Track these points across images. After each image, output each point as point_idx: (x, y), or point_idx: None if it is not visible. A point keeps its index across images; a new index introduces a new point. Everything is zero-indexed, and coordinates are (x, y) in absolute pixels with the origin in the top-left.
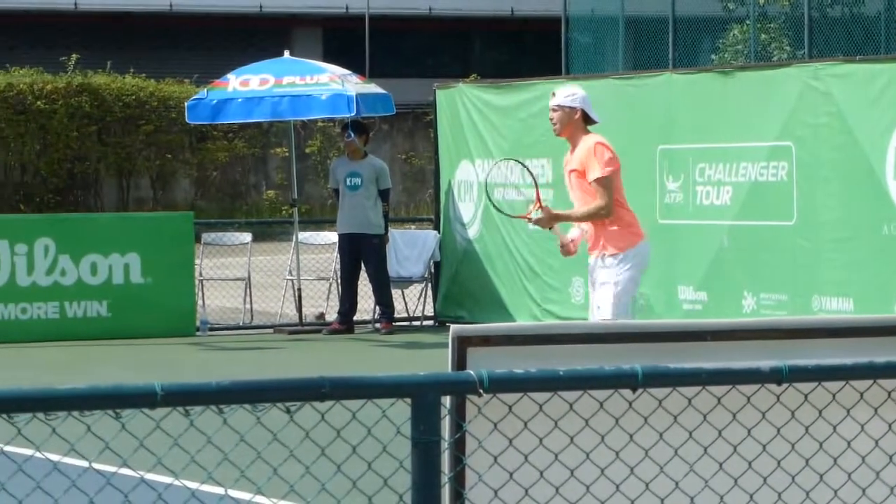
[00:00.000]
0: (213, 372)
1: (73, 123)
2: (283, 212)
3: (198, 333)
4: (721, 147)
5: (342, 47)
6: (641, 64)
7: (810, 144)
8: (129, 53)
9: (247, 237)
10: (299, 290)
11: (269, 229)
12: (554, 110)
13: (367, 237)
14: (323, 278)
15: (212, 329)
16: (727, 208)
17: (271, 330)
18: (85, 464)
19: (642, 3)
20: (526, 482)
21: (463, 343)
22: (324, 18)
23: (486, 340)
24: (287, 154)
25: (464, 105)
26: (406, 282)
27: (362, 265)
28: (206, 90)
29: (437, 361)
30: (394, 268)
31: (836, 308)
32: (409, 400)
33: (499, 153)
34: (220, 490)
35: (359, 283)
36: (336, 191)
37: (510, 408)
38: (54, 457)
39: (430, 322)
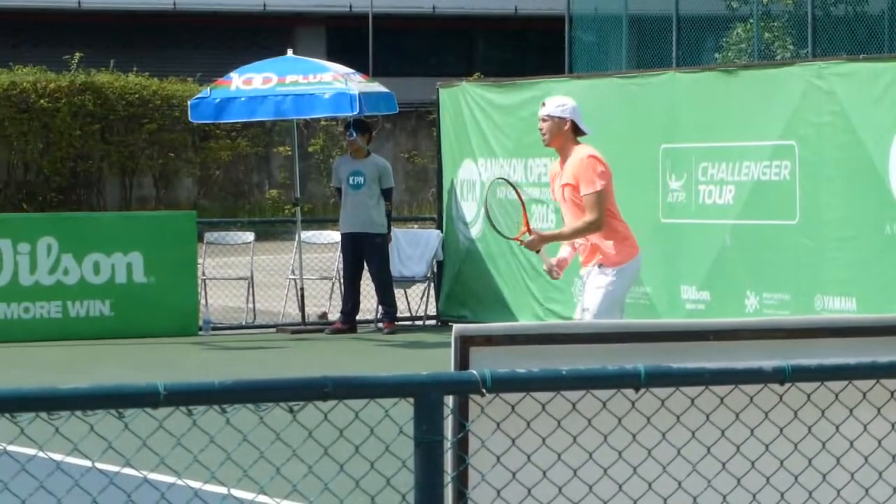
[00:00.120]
0: (216, 371)
1: (76, 122)
2: (286, 211)
3: (200, 333)
4: (724, 146)
5: (345, 46)
6: (645, 63)
7: (813, 143)
8: (133, 52)
9: (249, 236)
10: (302, 289)
11: (272, 228)
12: (544, 120)
13: (370, 236)
14: (326, 278)
15: (214, 328)
16: (730, 207)
17: (274, 329)
18: (88, 463)
19: (646, 2)
20: (529, 482)
21: (465, 343)
22: (327, 17)
23: (489, 340)
24: (290, 153)
25: (467, 104)
26: (409, 281)
27: (365, 264)
28: (209, 89)
29: (439, 361)
30: (396, 267)
31: (839, 308)
32: (411, 399)
33: (502, 152)
34: (222, 490)
35: (361, 282)
36: (339, 190)
37: (513, 407)
38: (57, 456)
39: (433, 322)
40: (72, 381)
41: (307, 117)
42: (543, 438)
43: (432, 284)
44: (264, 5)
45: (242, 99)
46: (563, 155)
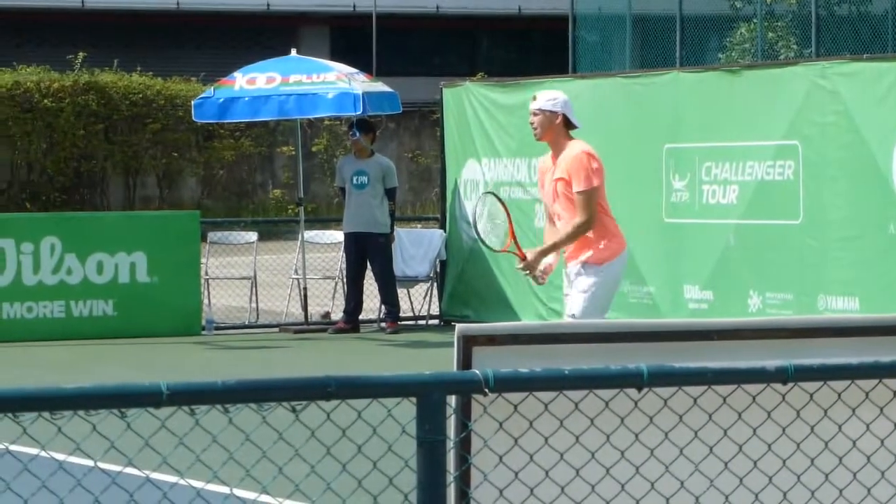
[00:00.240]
0: (219, 371)
1: (79, 122)
2: (290, 211)
3: (203, 332)
4: (727, 146)
5: (349, 46)
6: (648, 62)
7: (817, 143)
8: (136, 52)
9: (253, 236)
10: (305, 289)
11: (275, 228)
12: (535, 114)
13: (374, 236)
14: (329, 277)
15: (217, 328)
16: (733, 207)
17: (277, 329)
18: (90, 463)
19: (649, 2)
20: (531, 481)
21: (468, 342)
22: (331, 17)
23: (492, 340)
24: (293, 153)
25: (470, 104)
26: (412, 281)
27: (368, 264)
28: (212, 88)
29: (442, 361)
30: (399, 267)
31: (842, 307)
32: (414, 399)
33: (505, 152)
34: (225, 489)
35: (364, 282)
36: (342, 189)
37: (515, 407)
38: (60, 456)
39: (436, 321)
40: (74, 380)
41: (311, 117)
42: (546, 438)
43: (435, 284)
44: (268, 5)
45: (246, 99)
46: (555, 149)
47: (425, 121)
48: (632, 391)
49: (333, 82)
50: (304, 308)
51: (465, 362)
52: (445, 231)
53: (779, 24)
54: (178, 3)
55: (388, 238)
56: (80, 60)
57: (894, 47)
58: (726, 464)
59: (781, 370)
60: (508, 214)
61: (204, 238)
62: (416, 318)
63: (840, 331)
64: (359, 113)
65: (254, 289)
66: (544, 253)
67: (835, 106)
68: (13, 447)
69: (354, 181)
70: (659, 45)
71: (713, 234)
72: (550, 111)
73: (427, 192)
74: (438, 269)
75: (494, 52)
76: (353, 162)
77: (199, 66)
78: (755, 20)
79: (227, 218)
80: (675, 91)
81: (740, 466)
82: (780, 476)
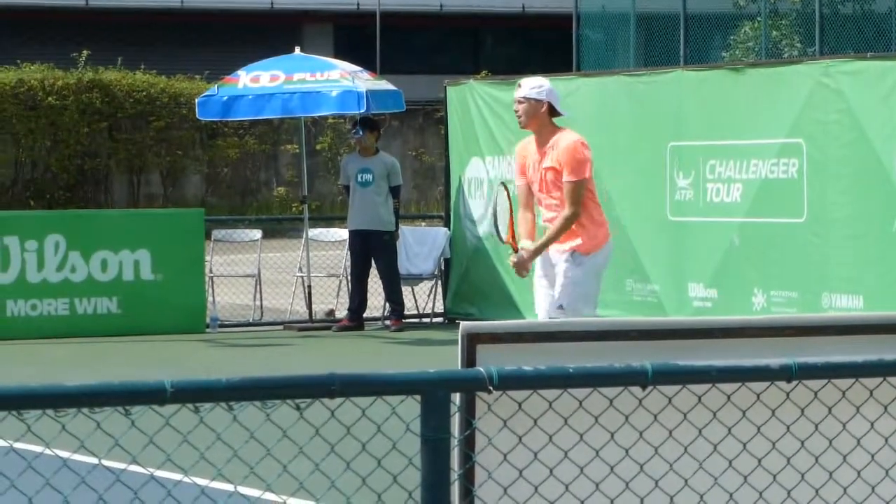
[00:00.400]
0: (223, 369)
1: (83, 119)
2: (294, 209)
3: (208, 330)
4: (732, 144)
5: (353, 44)
6: (652, 61)
7: (821, 142)
8: (140, 49)
9: (257, 234)
10: (309, 286)
11: (280, 226)
12: (520, 102)
13: (378, 234)
14: (333, 275)
15: (222, 326)
16: (737, 205)
17: (281, 327)
18: (94, 461)
19: (653, 0)
20: (535, 479)
21: (473, 340)
22: (335, 15)
23: (496, 338)
24: (297, 151)
25: (474, 102)
26: (416, 279)
27: (373, 262)
28: (216, 86)
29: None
30: (404, 265)
31: (845, 305)
32: (418, 397)
33: (509, 150)
34: (229, 487)
35: (369, 279)
36: (346, 187)
37: (520, 405)
38: (64, 454)
39: (440, 319)
40: (78, 378)
41: (315, 115)
42: (550, 436)
43: (440, 282)
44: (272, 3)
45: (250, 97)
46: (540, 136)
47: (429, 119)
48: (636, 389)
49: (337, 80)
50: (309, 306)
51: (470, 360)
52: (450, 229)
53: (783, 22)
54: (182, 1)
55: (392, 236)
56: (83, 58)
57: None
58: (730, 462)
59: (785, 368)
60: (511, 209)
61: (208, 236)
62: (420, 315)
63: (844, 329)
64: (363, 111)
65: (258, 286)
66: (538, 252)
67: (838, 104)
68: (17, 445)
69: (359, 179)
70: (663, 44)
71: (717, 233)
72: (535, 99)
73: (431, 190)
74: (443, 267)
75: (498, 50)
76: (357, 160)
77: (202, 64)
78: (759, 18)
79: (231, 216)
80: (678, 89)
81: (744, 464)
82: (785, 474)
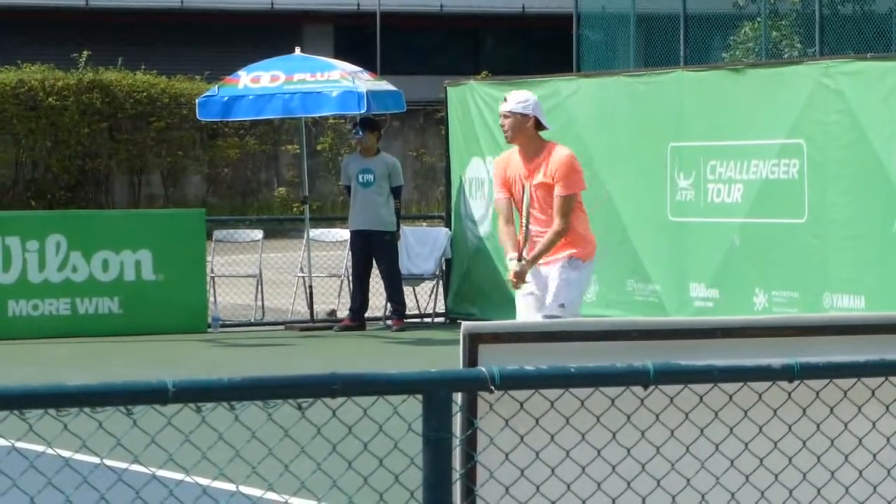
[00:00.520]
0: (225, 368)
1: (84, 120)
2: (295, 209)
3: (209, 330)
4: (732, 145)
5: (353, 44)
6: (652, 61)
7: (821, 142)
8: (141, 50)
9: (258, 234)
10: (310, 287)
11: (281, 226)
12: (506, 116)
13: (379, 234)
14: (334, 275)
15: (223, 326)
16: (738, 206)
17: (282, 327)
18: (96, 460)
19: (653, 1)
20: (537, 479)
21: (474, 340)
22: (335, 15)
23: (498, 337)
24: (298, 151)
25: (475, 102)
26: (417, 279)
27: (374, 262)
28: (217, 87)
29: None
30: (405, 265)
31: (847, 305)
32: (420, 397)
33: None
34: (231, 487)
35: (370, 279)
36: (348, 188)
37: (521, 405)
38: (66, 453)
39: (442, 319)
40: (80, 378)
41: (315, 115)
42: (552, 436)
43: (441, 282)
44: (272, 4)
45: (250, 97)
46: (527, 150)
47: (430, 119)
48: (638, 389)
49: (338, 81)
50: (310, 306)
51: (471, 360)
52: (451, 229)
53: (783, 22)
54: (182, 2)
55: (393, 236)
56: (84, 59)
57: None
58: (732, 461)
59: (787, 368)
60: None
61: (209, 236)
62: (421, 315)
63: (846, 329)
64: (363, 111)
65: (259, 287)
66: (533, 262)
67: (838, 105)
68: (19, 444)
69: (360, 179)
70: (663, 44)
71: (718, 233)
72: (522, 114)
73: (432, 191)
74: (444, 267)
75: (498, 50)
76: (358, 160)
77: (203, 65)
78: (759, 19)
79: (232, 216)
80: (679, 90)
81: (746, 464)
82: (786, 474)
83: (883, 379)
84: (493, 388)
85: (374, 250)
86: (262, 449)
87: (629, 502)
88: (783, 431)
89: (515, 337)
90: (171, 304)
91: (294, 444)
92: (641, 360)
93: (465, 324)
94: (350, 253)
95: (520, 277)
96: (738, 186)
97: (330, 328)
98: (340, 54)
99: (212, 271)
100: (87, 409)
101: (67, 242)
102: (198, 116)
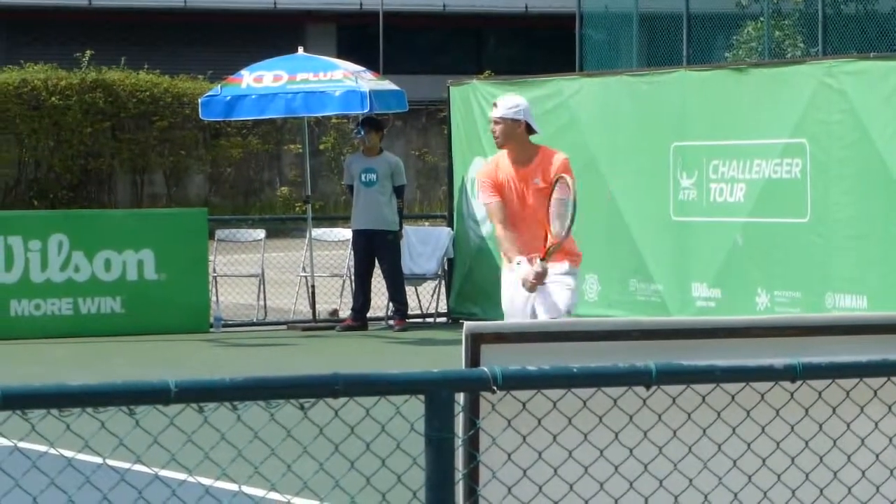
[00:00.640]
0: (227, 368)
1: (86, 119)
2: (297, 208)
3: (211, 330)
4: (735, 144)
5: (356, 44)
6: (655, 61)
7: (824, 142)
8: (143, 49)
9: (260, 234)
10: (313, 286)
11: (283, 226)
12: (496, 122)
13: (382, 233)
14: (336, 275)
15: (225, 325)
16: (741, 205)
17: (285, 326)
18: (99, 460)
19: (656, 0)
20: (539, 479)
21: (476, 340)
22: (338, 15)
23: (500, 337)
24: (301, 150)
25: (477, 102)
26: (420, 279)
27: (376, 261)
28: (219, 86)
29: (450, 358)
30: (407, 265)
31: (849, 305)
32: (422, 397)
33: None
34: (233, 486)
35: (373, 279)
36: (350, 187)
37: (524, 405)
38: (68, 453)
39: (444, 319)
40: (82, 378)
41: (318, 115)
42: (554, 436)
43: (443, 282)
44: (275, 3)
45: (253, 97)
46: (518, 155)
47: (432, 119)
48: (640, 389)
49: (340, 80)
50: (312, 305)
51: (474, 360)
52: (453, 229)
53: (786, 22)
54: (185, 1)
55: (396, 235)
56: (87, 58)
57: None
58: (735, 462)
59: (790, 368)
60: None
61: (212, 235)
62: (423, 315)
63: (848, 329)
64: (366, 111)
65: (262, 286)
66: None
67: (841, 104)
68: (22, 444)
69: (363, 178)
70: (666, 44)
71: (721, 232)
72: (513, 119)
73: (434, 190)
74: (446, 267)
75: (501, 50)
76: (361, 159)
77: (206, 64)
78: (762, 18)
79: (234, 215)
80: (681, 89)
81: (749, 464)
82: (789, 474)
83: (885, 379)
84: (495, 388)
85: (377, 250)
86: (264, 449)
87: (632, 502)
88: (785, 431)
89: (518, 337)
90: (173, 304)
91: (296, 444)
92: (644, 360)
93: (467, 324)
94: (352, 252)
95: (541, 278)
96: (741, 186)
97: (332, 328)
98: (343, 54)
99: (214, 271)
100: (89, 409)
101: (70, 242)
102: (200, 116)
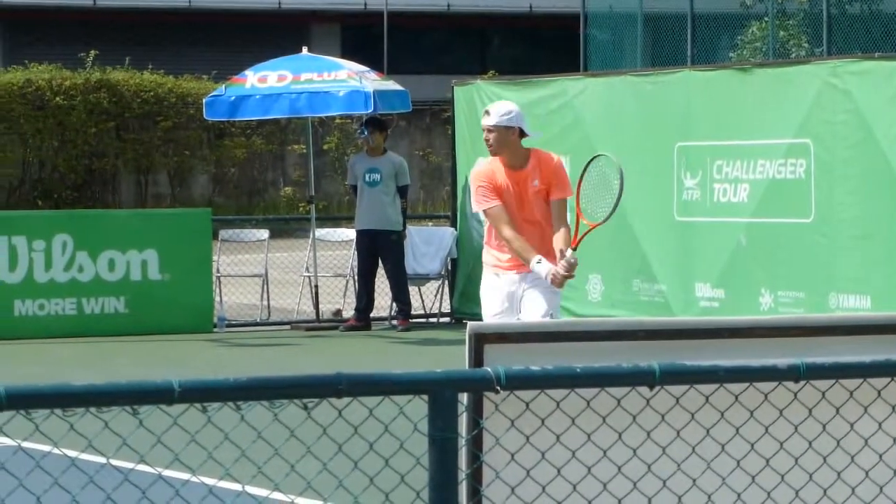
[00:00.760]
0: (231, 368)
1: (91, 119)
2: (301, 209)
3: (215, 330)
4: (739, 144)
5: (360, 44)
6: (660, 61)
7: (828, 142)
8: (148, 49)
9: (264, 234)
10: (316, 286)
11: (287, 226)
12: (490, 131)
13: (386, 233)
14: (340, 275)
15: (229, 325)
16: (745, 205)
17: (288, 326)
18: (102, 460)
19: (661, 0)
20: (543, 479)
21: (480, 340)
22: (342, 15)
23: (503, 337)
24: (305, 151)
25: (481, 102)
26: (423, 279)
27: (380, 262)
28: (224, 87)
29: (453, 358)
30: (411, 265)
31: (853, 305)
32: (426, 397)
33: None
34: (237, 486)
35: (376, 279)
36: (354, 187)
37: (527, 405)
38: (72, 453)
39: (447, 319)
40: (86, 377)
41: (322, 115)
42: (558, 436)
43: (447, 282)
44: (279, 3)
45: (257, 97)
46: (513, 161)
47: (436, 119)
48: (644, 389)
49: (344, 80)
50: (316, 306)
51: (477, 360)
52: (456, 229)
53: (790, 22)
54: (189, 1)
55: (400, 236)
56: (91, 58)
57: None
58: (738, 462)
59: (793, 368)
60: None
61: (215, 236)
62: (427, 315)
63: (852, 329)
64: (370, 111)
65: (265, 286)
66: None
67: (846, 105)
68: (25, 444)
69: (367, 179)
70: (670, 44)
71: (725, 233)
72: (506, 126)
73: (438, 191)
74: (450, 267)
75: (505, 50)
76: (365, 159)
77: (210, 64)
78: (766, 19)
79: (238, 216)
80: (686, 89)
81: (752, 465)
82: (793, 474)
83: (889, 379)
84: (498, 388)
85: (381, 250)
86: (268, 449)
87: (635, 503)
88: (789, 432)
89: (521, 337)
90: (177, 304)
91: (300, 444)
92: (647, 360)
93: (470, 324)
94: (356, 252)
95: (573, 269)
96: (745, 186)
97: (335, 328)
98: (347, 54)
99: (218, 271)
100: (93, 409)
101: (74, 242)
102: (205, 116)
